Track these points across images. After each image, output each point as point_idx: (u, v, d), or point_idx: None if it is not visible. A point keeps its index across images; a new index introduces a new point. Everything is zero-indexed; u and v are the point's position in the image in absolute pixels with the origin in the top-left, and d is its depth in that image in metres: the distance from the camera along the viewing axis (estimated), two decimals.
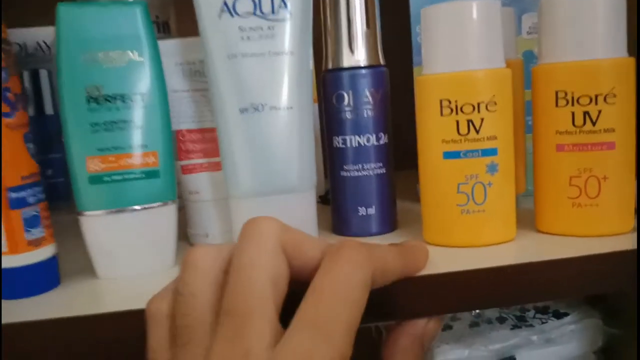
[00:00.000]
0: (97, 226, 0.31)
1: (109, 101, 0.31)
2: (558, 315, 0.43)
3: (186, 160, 0.36)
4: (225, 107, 0.31)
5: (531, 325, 0.42)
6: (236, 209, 0.33)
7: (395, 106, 0.37)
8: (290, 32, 0.32)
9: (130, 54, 0.31)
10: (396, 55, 0.42)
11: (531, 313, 0.43)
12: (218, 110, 0.32)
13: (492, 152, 0.31)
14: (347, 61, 0.35)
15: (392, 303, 0.28)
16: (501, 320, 0.43)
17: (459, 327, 0.43)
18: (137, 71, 0.32)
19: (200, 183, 0.36)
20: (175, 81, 0.36)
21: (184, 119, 0.36)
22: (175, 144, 0.36)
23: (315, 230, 0.34)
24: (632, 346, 0.43)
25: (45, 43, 0.50)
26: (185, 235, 0.38)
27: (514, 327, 0.42)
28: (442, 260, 0.31)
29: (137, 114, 0.32)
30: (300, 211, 0.33)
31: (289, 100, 0.31)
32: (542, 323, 0.42)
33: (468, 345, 0.40)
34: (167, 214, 0.33)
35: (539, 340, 0.41)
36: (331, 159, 0.37)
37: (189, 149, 0.36)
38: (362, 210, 0.36)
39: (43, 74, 0.50)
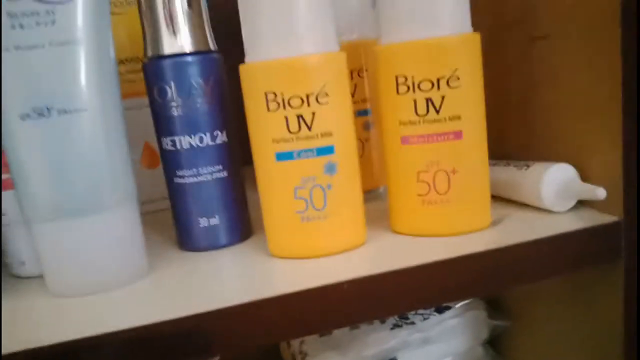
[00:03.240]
0: None
1: None
2: (440, 310, 0.40)
3: None
4: (3, 113, 0.26)
5: (412, 323, 0.39)
6: (38, 235, 0.27)
7: None
8: (79, 17, 0.26)
9: None
10: None
11: None
12: None
13: (329, 150, 0.27)
14: (168, 47, 0.30)
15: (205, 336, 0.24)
16: (382, 319, 0.40)
17: (339, 332, 0.39)
18: None
19: (5, 202, 0.30)
20: None
21: None
22: None
23: (141, 250, 0.29)
24: (519, 335, 0.41)
25: None
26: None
27: (395, 326, 0.39)
28: (284, 277, 0.27)
29: None
30: (116, 231, 0.28)
31: (84, 101, 0.26)
32: (424, 319, 0.40)
33: (344, 353, 0.37)
34: None
35: (416, 341, 0.38)
36: (163, 163, 0.32)
37: None
38: (203, 221, 0.31)
39: None
